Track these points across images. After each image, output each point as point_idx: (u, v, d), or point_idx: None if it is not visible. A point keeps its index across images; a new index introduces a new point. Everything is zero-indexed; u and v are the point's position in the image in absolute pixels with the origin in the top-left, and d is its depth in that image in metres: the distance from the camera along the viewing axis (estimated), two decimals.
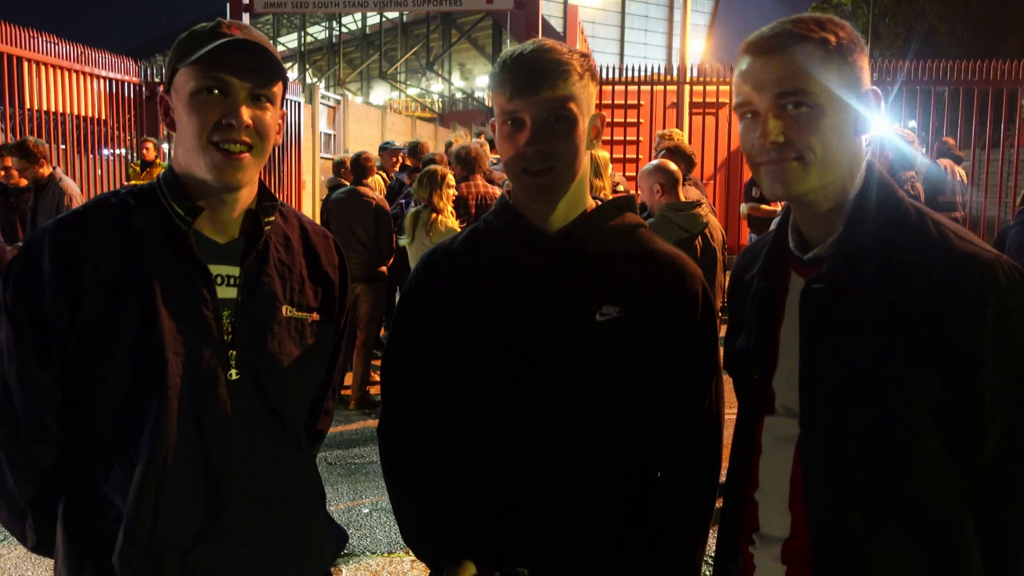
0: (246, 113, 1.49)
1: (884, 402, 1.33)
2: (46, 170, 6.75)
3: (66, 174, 9.66)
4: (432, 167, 5.94)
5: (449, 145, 8.44)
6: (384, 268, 6.88)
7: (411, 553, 1.70)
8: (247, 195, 1.59)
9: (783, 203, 1.61)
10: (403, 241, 6.00)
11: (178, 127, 1.52)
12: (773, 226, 1.64)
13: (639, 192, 5.02)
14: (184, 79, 1.49)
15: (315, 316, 1.64)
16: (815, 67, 1.36)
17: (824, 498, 1.39)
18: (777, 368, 1.48)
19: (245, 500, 1.54)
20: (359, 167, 6.95)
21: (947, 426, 1.33)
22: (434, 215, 5.73)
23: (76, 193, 6.76)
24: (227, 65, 1.47)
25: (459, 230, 1.77)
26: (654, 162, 5.00)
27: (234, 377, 1.52)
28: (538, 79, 1.48)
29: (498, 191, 6.37)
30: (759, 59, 1.40)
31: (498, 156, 7.15)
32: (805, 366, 1.42)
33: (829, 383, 1.38)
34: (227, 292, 1.55)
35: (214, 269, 1.54)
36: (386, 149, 9.30)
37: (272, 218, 1.63)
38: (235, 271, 1.57)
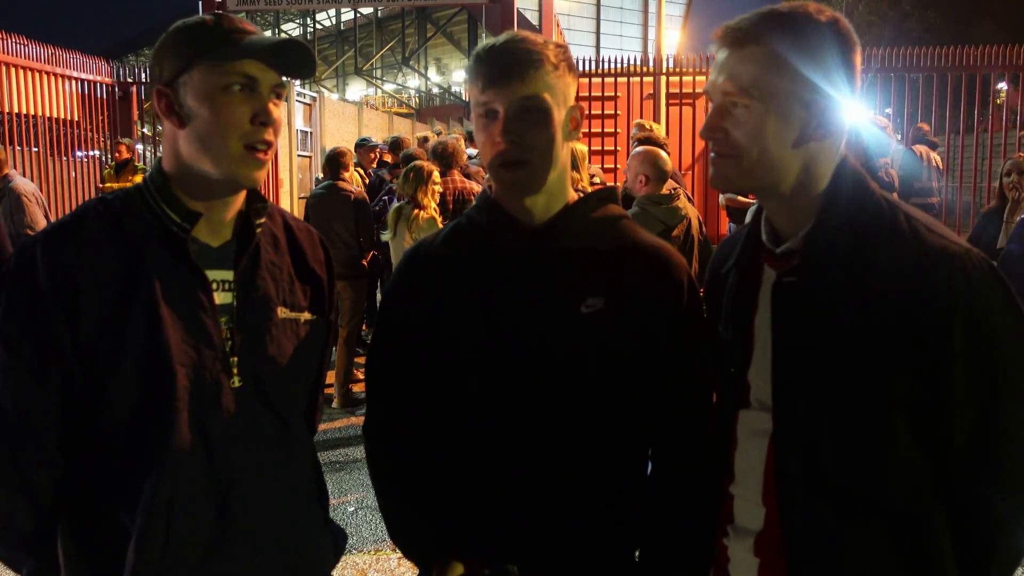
0: (273, 110, 1.48)
1: (855, 396, 1.34)
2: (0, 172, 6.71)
3: (40, 177, 9.57)
4: (419, 163, 5.92)
5: (425, 140, 8.41)
6: (364, 263, 6.84)
7: (398, 550, 1.69)
8: (243, 195, 1.57)
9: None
10: (385, 236, 5.98)
11: (193, 123, 1.46)
12: (749, 217, 1.64)
13: (625, 175, 5.00)
14: (205, 74, 1.44)
15: (307, 315, 1.62)
16: (764, 72, 1.36)
17: (796, 492, 1.40)
18: (752, 361, 1.49)
19: (254, 506, 1.52)
20: (334, 162, 6.93)
21: (918, 419, 1.35)
22: (417, 211, 5.72)
23: (29, 191, 6.70)
24: (261, 62, 1.45)
25: (441, 226, 1.76)
26: (647, 150, 4.94)
27: (236, 384, 1.50)
28: (510, 70, 1.48)
29: (476, 186, 6.36)
30: (722, 51, 1.41)
31: (476, 150, 7.13)
32: (777, 360, 1.43)
33: (801, 377, 1.39)
34: (223, 297, 1.52)
35: (209, 274, 1.50)
36: (363, 145, 9.26)
37: (263, 220, 1.60)
38: (229, 275, 1.54)
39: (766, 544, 1.46)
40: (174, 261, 1.48)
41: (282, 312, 1.58)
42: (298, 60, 1.49)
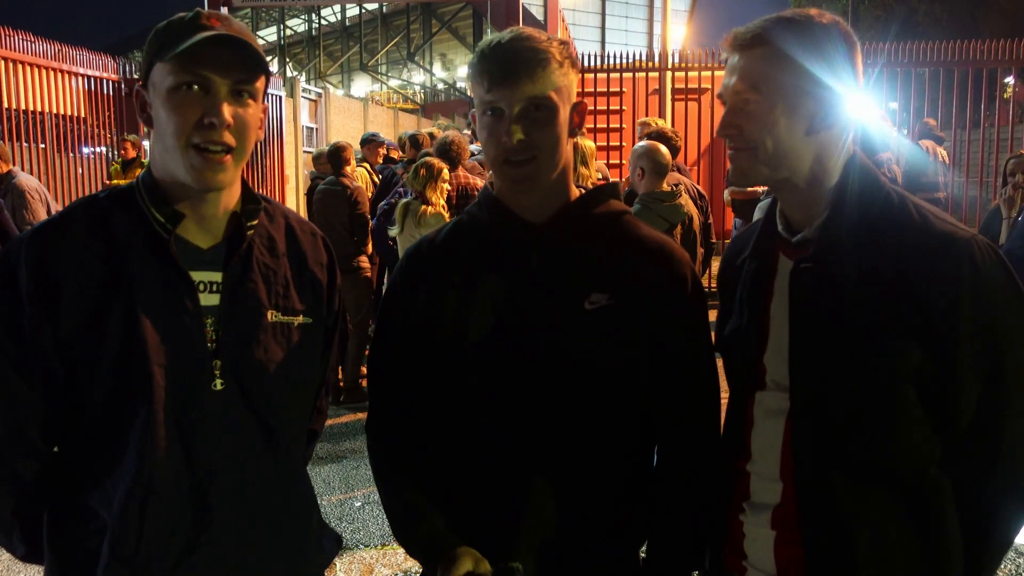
0: (227, 111, 1.43)
1: (869, 374, 1.42)
2: (3, 169, 6.78)
3: (46, 173, 9.60)
4: (430, 160, 5.93)
5: (432, 139, 8.39)
6: (363, 258, 6.85)
7: None
8: (230, 196, 1.55)
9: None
10: (393, 232, 5.99)
11: (156, 124, 1.47)
12: (758, 212, 1.70)
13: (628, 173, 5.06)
14: (162, 74, 1.43)
15: (301, 319, 1.60)
16: (771, 69, 1.45)
17: (812, 465, 1.47)
18: (768, 345, 1.55)
19: (233, 511, 1.51)
20: (336, 157, 6.95)
21: (927, 395, 1.43)
22: (424, 207, 5.73)
23: (30, 188, 6.76)
24: (208, 60, 1.41)
25: (447, 221, 1.76)
26: (646, 145, 4.98)
27: (219, 387, 1.48)
28: (517, 69, 1.47)
29: (479, 181, 6.36)
30: (732, 55, 1.51)
31: (479, 147, 7.13)
32: (794, 342, 1.49)
33: (817, 357, 1.47)
34: (210, 299, 1.50)
35: (196, 275, 1.49)
36: (371, 141, 9.25)
37: (255, 222, 1.58)
38: (218, 277, 1.52)
39: (783, 518, 1.52)
40: (158, 261, 1.47)
41: (272, 315, 1.55)
42: (236, 54, 1.44)
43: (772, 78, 1.45)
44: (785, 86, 1.45)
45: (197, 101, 1.42)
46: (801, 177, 1.49)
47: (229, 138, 1.44)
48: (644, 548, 1.67)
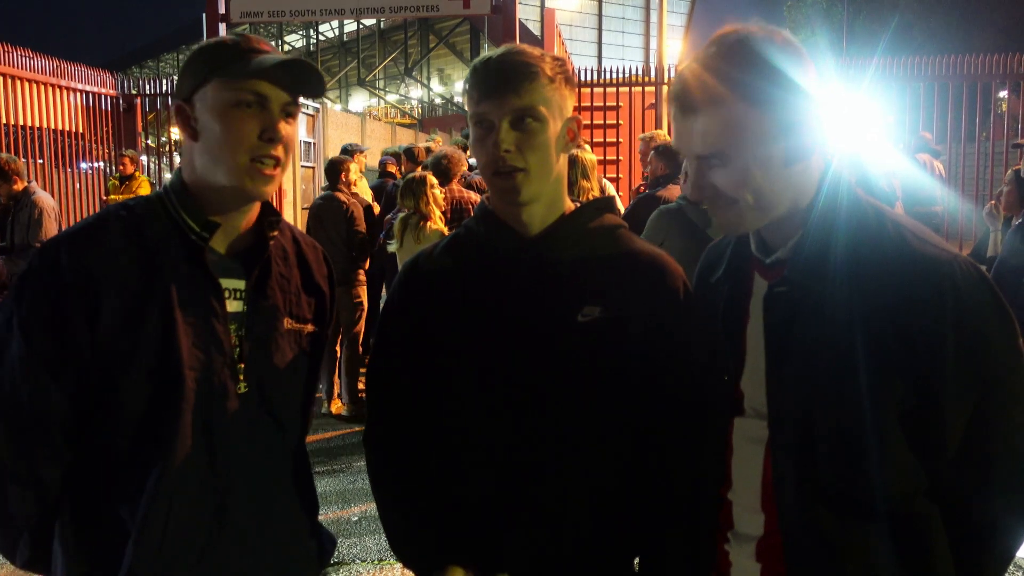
0: (283, 128, 1.53)
1: (849, 403, 1.35)
2: (20, 186, 6.78)
3: (44, 188, 9.61)
4: (412, 174, 5.93)
5: (427, 151, 8.40)
6: (361, 272, 6.86)
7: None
8: (256, 208, 1.63)
9: None
10: (392, 247, 5.97)
11: (204, 137, 1.53)
12: None
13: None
14: (218, 90, 1.50)
15: (309, 327, 1.69)
16: (731, 128, 1.37)
17: (794, 497, 1.41)
18: (744, 369, 1.51)
19: (248, 510, 1.57)
20: (331, 172, 6.97)
21: (911, 422, 1.36)
22: (423, 222, 5.73)
23: (48, 207, 6.75)
24: (268, 79, 1.50)
25: (447, 234, 1.79)
26: None
27: (243, 390, 1.56)
28: (505, 82, 1.51)
29: (475, 196, 6.38)
30: (679, 116, 1.43)
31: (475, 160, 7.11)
32: (771, 368, 1.44)
33: (795, 385, 1.41)
34: (234, 306, 1.58)
35: (222, 283, 1.56)
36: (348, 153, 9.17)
37: (275, 233, 1.66)
38: (241, 284, 1.60)
39: (767, 550, 1.48)
40: (190, 268, 1.53)
41: (288, 323, 1.64)
42: (304, 78, 1.54)
43: (735, 136, 1.37)
44: (751, 138, 1.37)
45: (255, 117, 1.51)
46: (784, 208, 1.43)
47: (280, 152, 1.53)
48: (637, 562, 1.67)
